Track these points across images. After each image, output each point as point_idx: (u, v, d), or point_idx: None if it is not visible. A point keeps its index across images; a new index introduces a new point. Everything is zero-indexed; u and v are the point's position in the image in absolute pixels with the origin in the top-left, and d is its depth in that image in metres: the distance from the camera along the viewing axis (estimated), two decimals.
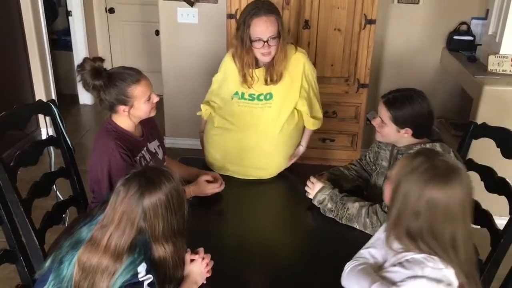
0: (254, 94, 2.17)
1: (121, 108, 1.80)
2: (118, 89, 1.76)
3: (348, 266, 1.43)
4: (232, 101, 2.20)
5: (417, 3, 3.53)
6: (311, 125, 2.28)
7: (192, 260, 1.46)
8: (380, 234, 1.48)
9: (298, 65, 2.17)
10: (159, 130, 2.13)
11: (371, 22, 2.94)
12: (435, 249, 1.24)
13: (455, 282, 1.24)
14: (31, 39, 3.94)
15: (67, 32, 4.93)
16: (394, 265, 1.30)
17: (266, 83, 2.14)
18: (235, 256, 1.67)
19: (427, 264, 1.23)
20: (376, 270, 1.38)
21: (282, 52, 2.08)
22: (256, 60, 2.13)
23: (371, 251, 1.45)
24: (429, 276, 1.22)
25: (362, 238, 1.74)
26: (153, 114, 1.90)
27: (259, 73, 2.15)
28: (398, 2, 3.54)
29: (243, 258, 1.67)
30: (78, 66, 1.75)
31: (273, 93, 2.16)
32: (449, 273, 1.23)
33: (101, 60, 1.77)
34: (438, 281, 1.22)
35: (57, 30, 5.21)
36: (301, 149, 2.35)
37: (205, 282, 1.47)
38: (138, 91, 1.78)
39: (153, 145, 2.01)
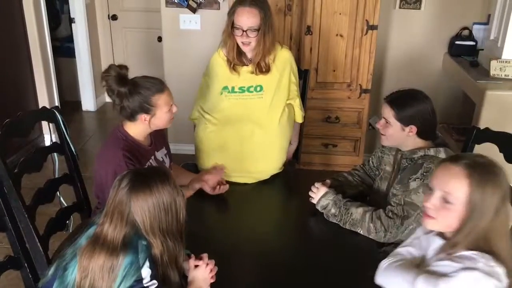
0: (244, 87, 2.22)
1: (143, 116, 1.81)
2: (143, 97, 1.78)
3: (385, 263, 1.42)
4: (222, 96, 2.24)
5: (419, 9, 3.54)
6: (300, 118, 2.40)
7: (196, 266, 1.46)
8: (418, 234, 1.47)
9: (285, 61, 2.26)
10: (166, 138, 2.14)
11: (373, 27, 2.95)
12: (495, 248, 1.25)
13: (505, 281, 1.23)
14: (34, 46, 3.96)
15: (70, 39, 4.95)
16: (441, 260, 1.29)
17: (255, 73, 2.20)
18: (237, 260, 1.67)
19: (479, 260, 1.23)
20: (415, 267, 1.36)
21: (265, 46, 2.15)
22: (242, 54, 2.21)
23: (409, 249, 1.44)
24: (482, 269, 1.21)
25: (364, 243, 1.76)
26: (168, 125, 1.92)
27: (247, 69, 2.22)
28: (400, 7, 3.55)
29: (244, 263, 1.67)
30: (104, 71, 1.77)
31: (263, 85, 2.22)
32: (500, 271, 1.23)
33: (126, 68, 1.79)
34: (490, 275, 1.21)
35: (60, 37, 5.23)
36: (293, 147, 2.44)
37: None
38: (161, 101, 1.80)
39: (161, 154, 2.03)
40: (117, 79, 1.75)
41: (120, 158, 1.76)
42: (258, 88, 2.22)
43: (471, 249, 1.26)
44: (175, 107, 1.88)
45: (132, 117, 1.82)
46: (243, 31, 2.10)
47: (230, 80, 2.23)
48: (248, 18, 2.09)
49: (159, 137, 2.03)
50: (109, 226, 1.30)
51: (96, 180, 1.87)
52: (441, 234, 1.37)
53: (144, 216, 1.30)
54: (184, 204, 1.38)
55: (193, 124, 2.43)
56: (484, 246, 1.25)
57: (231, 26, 2.13)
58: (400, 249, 1.46)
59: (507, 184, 1.27)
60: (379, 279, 1.41)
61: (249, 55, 2.21)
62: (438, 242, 1.36)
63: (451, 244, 1.30)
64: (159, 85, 1.82)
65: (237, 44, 2.17)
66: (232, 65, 2.22)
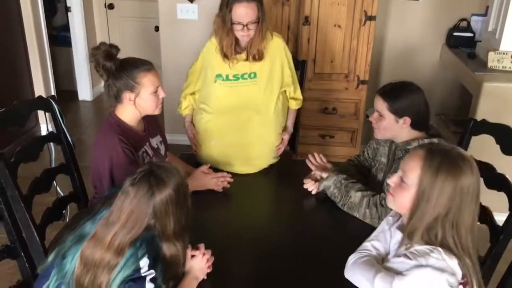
0: (238, 74, 2.22)
1: (127, 95, 1.80)
2: (128, 74, 1.78)
3: (352, 258, 1.45)
4: (216, 84, 2.24)
5: (417, 0, 3.53)
6: (294, 105, 2.40)
7: (193, 256, 1.47)
8: (383, 227, 1.49)
9: (279, 48, 2.27)
10: (161, 126, 2.13)
11: (371, 18, 2.94)
12: (449, 239, 1.27)
13: (459, 272, 1.26)
14: (30, 35, 3.93)
15: (66, 28, 4.92)
16: (398, 256, 1.31)
17: (249, 60, 2.20)
18: (233, 250, 1.67)
19: (431, 255, 1.25)
20: (379, 262, 1.39)
21: (261, 34, 2.16)
22: (236, 41, 2.20)
23: (374, 244, 1.47)
24: (433, 265, 1.24)
25: (361, 232, 1.77)
26: (157, 112, 1.91)
27: (240, 56, 2.22)
28: None
29: (241, 252, 1.68)
30: (93, 48, 1.77)
31: (257, 72, 2.22)
32: (452, 264, 1.25)
33: (117, 48, 1.79)
34: (442, 270, 1.23)
35: (56, 26, 5.20)
36: (289, 130, 2.41)
37: (205, 277, 1.48)
38: (146, 80, 1.80)
39: (155, 141, 2.02)
40: (105, 54, 1.75)
41: (115, 143, 1.76)
42: (252, 75, 2.22)
43: (427, 242, 1.27)
44: (162, 92, 1.87)
45: (118, 96, 1.82)
46: (244, 25, 2.10)
47: (223, 68, 2.22)
48: (247, 13, 2.08)
49: (152, 124, 2.02)
50: (120, 231, 1.27)
51: (92, 169, 1.86)
52: (401, 228, 1.39)
53: (167, 219, 1.29)
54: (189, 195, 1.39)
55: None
56: (440, 238, 1.27)
57: (230, 22, 2.11)
58: (366, 243, 1.49)
59: (470, 180, 1.26)
60: (346, 274, 1.44)
61: (243, 44, 2.21)
62: (398, 235, 1.38)
63: (406, 233, 1.32)
64: (147, 65, 1.82)
65: (235, 38, 2.17)
66: (224, 54, 2.21)
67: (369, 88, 3.17)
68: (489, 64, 2.95)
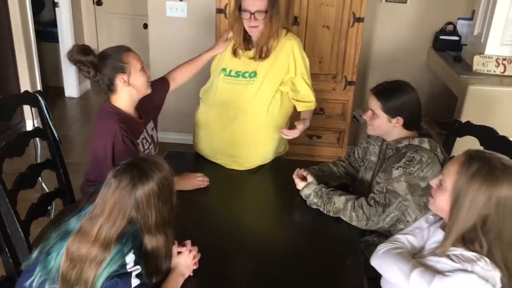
0: (240, 71, 2.23)
1: (121, 78, 1.83)
2: (112, 59, 1.82)
3: (382, 248, 1.44)
4: (219, 77, 2.27)
5: (405, 3, 3.57)
6: (299, 107, 2.32)
7: (179, 253, 1.47)
8: (420, 223, 1.48)
9: (286, 48, 2.22)
10: (152, 111, 2.12)
11: (359, 20, 2.96)
12: (495, 252, 1.24)
13: (499, 285, 1.24)
14: (17, 30, 3.88)
15: (53, 23, 4.87)
16: (437, 256, 1.30)
17: (254, 59, 2.20)
18: (221, 247, 1.68)
19: (477, 263, 1.23)
20: (413, 257, 1.38)
21: (271, 30, 2.14)
22: (247, 38, 2.20)
23: (409, 238, 1.45)
24: (479, 273, 1.22)
25: (346, 231, 1.78)
26: (149, 91, 1.95)
27: (247, 54, 2.23)
28: (386, 1, 3.57)
29: (228, 249, 1.68)
30: (67, 52, 1.80)
31: (258, 72, 2.21)
32: (496, 275, 1.24)
33: (89, 47, 1.82)
34: (486, 280, 1.22)
35: (43, 21, 5.14)
36: (305, 122, 2.25)
37: (191, 274, 1.48)
38: (131, 57, 1.85)
39: (149, 127, 2.06)
40: (79, 50, 1.78)
41: (116, 130, 1.79)
42: (253, 74, 2.21)
43: (473, 251, 1.26)
44: (146, 70, 1.92)
45: (111, 84, 1.85)
46: (251, 14, 2.09)
47: (229, 63, 2.25)
48: (255, 1, 2.08)
49: (144, 111, 2.02)
50: (105, 224, 1.26)
51: (92, 158, 1.88)
52: (444, 228, 1.38)
53: (149, 212, 1.29)
54: (175, 188, 1.38)
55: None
56: (487, 249, 1.25)
57: (239, 9, 2.13)
58: (399, 236, 1.47)
59: (510, 192, 1.23)
60: (375, 262, 1.43)
61: (255, 38, 2.20)
62: (440, 235, 1.37)
63: (445, 235, 1.32)
64: (124, 47, 1.88)
65: (244, 29, 2.17)
66: (234, 50, 2.23)
67: (356, 89, 3.19)
68: (474, 67, 2.99)
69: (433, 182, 1.38)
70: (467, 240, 1.28)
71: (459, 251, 1.27)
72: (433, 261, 1.31)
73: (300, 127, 2.17)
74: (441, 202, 1.34)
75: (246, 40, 2.22)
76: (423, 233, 1.46)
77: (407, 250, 1.42)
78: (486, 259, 1.25)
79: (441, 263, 1.28)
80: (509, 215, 1.24)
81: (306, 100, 2.31)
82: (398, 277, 1.34)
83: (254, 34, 2.17)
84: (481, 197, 1.24)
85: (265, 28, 2.13)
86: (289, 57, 2.22)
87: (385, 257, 1.41)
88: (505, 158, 1.30)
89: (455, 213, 1.28)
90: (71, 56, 1.78)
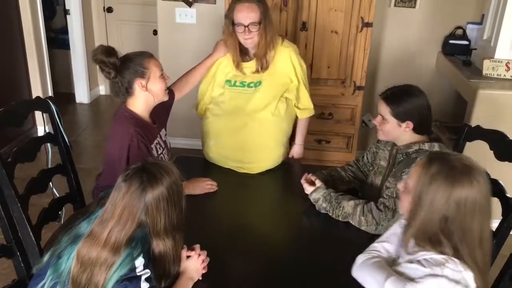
0: (245, 82, 2.25)
1: (139, 82, 1.86)
2: (134, 63, 1.87)
3: (361, 258, 1.44)
4: (224, 89, 2.29)
5: (414, 7, 3.56)
6: (300, 114, 2.38)
7: (188, 257, 1.47)
8: (395, 229, 1.48)
9: (284, 56, 2.26)
10: (162, 117, 2.15)
11: (368, 25, 2.97)
12: (462, 251, 1.25)
13: (473, 285, 1.24)
14: (28, 37, 3.94)
15: (64, 30, 4.93)
16: (411, 262, 1.30)
17: (257, 72, 2.23)
18: (229, 252, 1.68)
19: (447, 265, 1.24)
20: (390, 264, 1.38)
21: (266, 39, 2.17)
22: (245, 51, 2.23)
23: (385, 246, 1.46)
24: (448, 276, 1.22)
25: (357, 234, 1.77)
26: (166, 98, 1.99)
27: (250, 65, 2.25)
28: (395, 5, 3.57)
29: (237, 254, 1.68)
30: (92, 51, 1.85)
31: (262, 80, 2.24)
32: (468, 276, 1.24)
33: (113, 48, 1.87)
34: (457, 282, 1.22)
35: (54, 28, 5.21)
36: (296, 147, 2.42)
37: (200, 278, 1.48)
38: (152, 64, 1.90)
39: (163, 133, 2.09)
40: (104, 51, 1.82)
41: (133, 134, 1.82)
42: (258, 84, 2.25)
43: (441, 252, 1.26)
44: (167, 77, 1.96)
45: (130, 87, 1.88)
46: (245, 27, 2.12)
47: (233, 75, 2.28)
48: (248, 13, 2.11)
49: (158, 117, 2.05)
50: (115, 227, 1.28)
51: (107, 161, 1.91)
52: None
53: (157, 216, 1.30)
54: (184, 192, 1.40)
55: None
56: (453, 249, 1.26)
57: (232, 25, 2.15)
58: (376, 244, 1.48)
59: (468, 192, 1.24)
60: (354, 273, 1.44)
61: (252, 51, 2.23)
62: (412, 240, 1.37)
63: (404, 236, 1.35)
64: (147, 53, 1.93)
65: (239, 43, 2.19)
66: (237, 65, 2.26)
67: (365, 94, 3.19)
68: (484, 71, 2.98)
69: (400, 185, 1.41)
70: (434, 241, 1.28)
71: (429, 255, 1.27)
72: (407, 267, 1.31)
73: (295, 151, 2.44)
74: (406, 204, 1.36)
75: (243, 53, 2.25)
76: (399, 238, 1.46)
77: (384, 258, 1.42)
78: (456, 260, 1.25)
79: (413, 269, 1.28)
80: (470, 215, 1.26)
81: (307, 107, 2.38)
82: (374, 287, 1.35)
83: (250, 45, 2.20)
84: (440, 198, 1.26)
85: (261, 39, 2.16)
86: (288, 65, 2.26)
87: (361, 268, 1.42)
88: (466, 158, 1.32)
89: (415, 212, 1.30)
90: (94, 56, 1.82)
